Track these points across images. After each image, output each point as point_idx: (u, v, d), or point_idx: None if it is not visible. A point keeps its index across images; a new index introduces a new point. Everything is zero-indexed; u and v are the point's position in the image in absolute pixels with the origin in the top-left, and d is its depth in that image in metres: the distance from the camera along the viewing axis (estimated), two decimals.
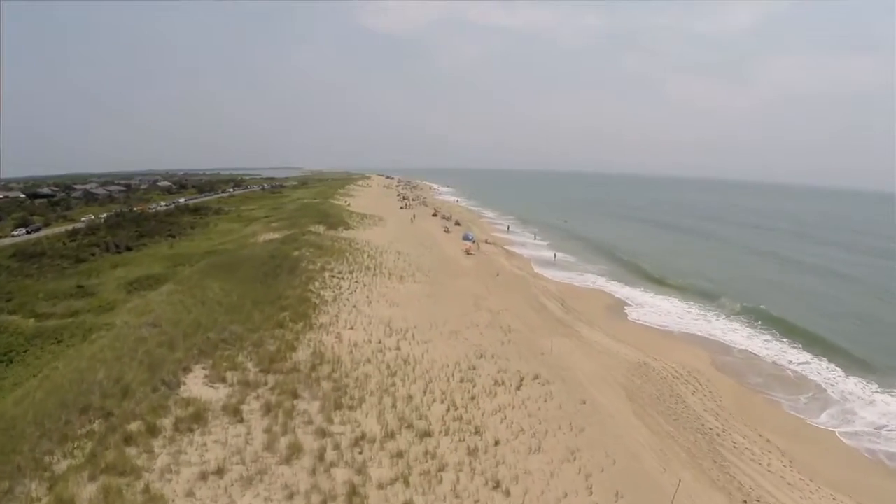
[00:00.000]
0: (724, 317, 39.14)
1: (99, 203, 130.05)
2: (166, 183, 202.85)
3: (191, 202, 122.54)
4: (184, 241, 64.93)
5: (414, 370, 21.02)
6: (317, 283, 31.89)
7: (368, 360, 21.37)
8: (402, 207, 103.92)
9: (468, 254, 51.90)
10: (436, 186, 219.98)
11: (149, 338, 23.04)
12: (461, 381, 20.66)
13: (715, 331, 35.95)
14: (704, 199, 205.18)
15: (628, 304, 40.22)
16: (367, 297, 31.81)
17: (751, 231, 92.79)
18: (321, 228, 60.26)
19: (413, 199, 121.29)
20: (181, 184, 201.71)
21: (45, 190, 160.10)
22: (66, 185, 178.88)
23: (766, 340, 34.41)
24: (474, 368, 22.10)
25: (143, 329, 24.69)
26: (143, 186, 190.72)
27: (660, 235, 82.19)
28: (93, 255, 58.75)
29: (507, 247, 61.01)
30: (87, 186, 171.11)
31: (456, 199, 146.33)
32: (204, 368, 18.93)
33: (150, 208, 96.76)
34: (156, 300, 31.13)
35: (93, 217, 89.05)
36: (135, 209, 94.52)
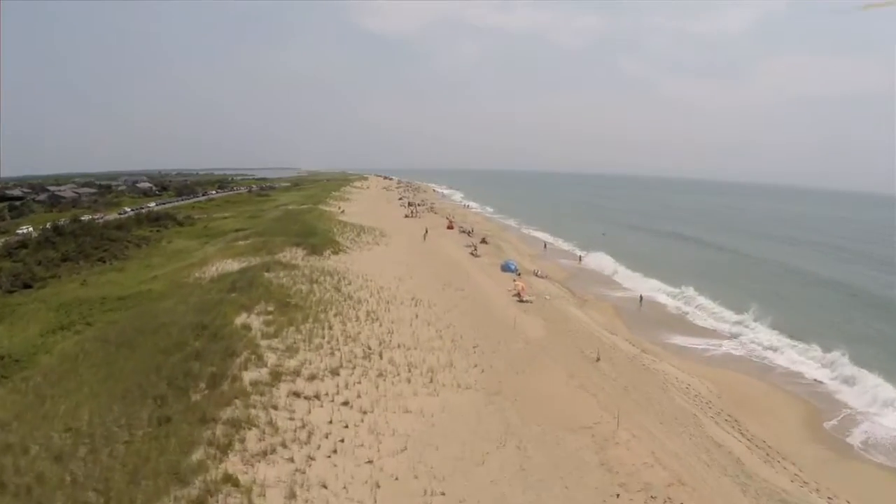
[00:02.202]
0: None
1: (59, 209, 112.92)
2: (147, 184, 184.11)
3: (161, 207, 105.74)
4: (111, 270, 46.96)
5: None
6: (254, 436, 13.92)
7: None
8: (407, 216, 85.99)
9: (521, 300, 34.08)
10: (439, 188, 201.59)
11: None
12: None
13: None
14: (721, 204, 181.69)
15: (831, 412, 22.73)
16: (373, 460, 14.07)
17: (821, 252, 72.29)
18: (300, 254, 42.38)
19: (419, 205, 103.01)
20: (163, 185, 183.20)
21: (17, 192, 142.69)
22: (42, 186, 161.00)
23: None
24: None
25: None
26: (122, 188, 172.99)
27: (727, 263, 59.92)
28: None
29: (568, 283, 42.99)
30: (61, 188, 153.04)
31: (466, 203, 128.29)
32: None
33: (97, 218, 78.72)
34: None
35: (29, 229, 71.80)
36: (81, 219, 76.29)
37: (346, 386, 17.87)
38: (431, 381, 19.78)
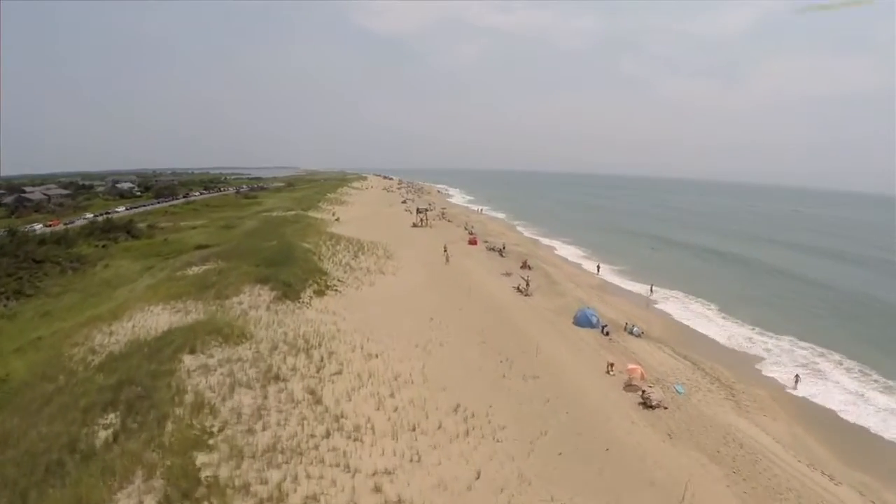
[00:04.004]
0: None
1: (19, 214, 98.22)
2: (128, 185, 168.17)
3: (128, 213, 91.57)
4: None
5: None
6: None
7: None
8: (415, 224, 70.74)
9: (647, 402, 19.15)
10: (442, 188, 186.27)
11: None
12: None
13: None
14: (740, 207, 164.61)
15: None
16: None
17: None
18: (264, 298, 27.42)
19: (427, 210, 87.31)
20: (147, 186, 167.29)
21: None
22: (18, 187, 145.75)
23: None
24: None
25: None
26: (101, 188, 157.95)
27: (810, 296, 43.40)
28: None
29: (679, 347, 27.94)
30: (33, 189, 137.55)
31: (479, 207, 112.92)
32: None
33: (32, 229, 63.74)
34: None
35: None
36: (17, 230, 61.28)
37: None
38: None
